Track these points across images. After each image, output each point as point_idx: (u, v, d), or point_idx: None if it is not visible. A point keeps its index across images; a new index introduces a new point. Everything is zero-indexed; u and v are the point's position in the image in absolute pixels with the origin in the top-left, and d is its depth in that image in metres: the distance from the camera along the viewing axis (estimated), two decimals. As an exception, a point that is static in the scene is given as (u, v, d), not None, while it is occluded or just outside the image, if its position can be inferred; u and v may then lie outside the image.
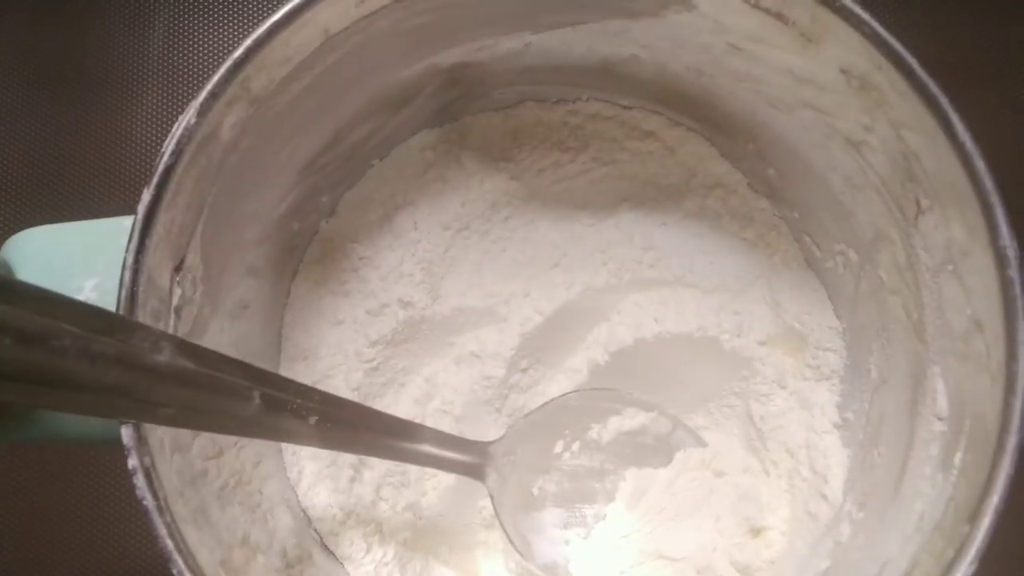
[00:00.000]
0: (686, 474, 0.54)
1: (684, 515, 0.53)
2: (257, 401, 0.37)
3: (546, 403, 0.54)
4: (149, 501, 0.36)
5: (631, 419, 0.54)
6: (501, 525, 0.52)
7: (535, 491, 0.53)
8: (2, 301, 0.28)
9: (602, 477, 0.54)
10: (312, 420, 0.40)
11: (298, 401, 0.40)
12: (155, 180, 0.38)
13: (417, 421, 0.54)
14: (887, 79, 0.39)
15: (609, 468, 0.54)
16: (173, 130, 0.38)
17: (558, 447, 0.54)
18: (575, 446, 0.54)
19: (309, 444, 0.42)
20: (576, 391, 0.55)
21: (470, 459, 0.50)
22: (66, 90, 0.71)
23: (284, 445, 0.53)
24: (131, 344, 0.32)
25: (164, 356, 0.33)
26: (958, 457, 0.39)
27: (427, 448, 0.48)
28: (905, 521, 0.41)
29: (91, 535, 0.64)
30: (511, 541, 0.52)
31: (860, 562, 0.44)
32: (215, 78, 0.39)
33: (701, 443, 0.55)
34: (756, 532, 0.52)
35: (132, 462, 0.36)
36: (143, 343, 0.33)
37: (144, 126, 0.70)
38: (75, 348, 0.30)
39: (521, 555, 0.52)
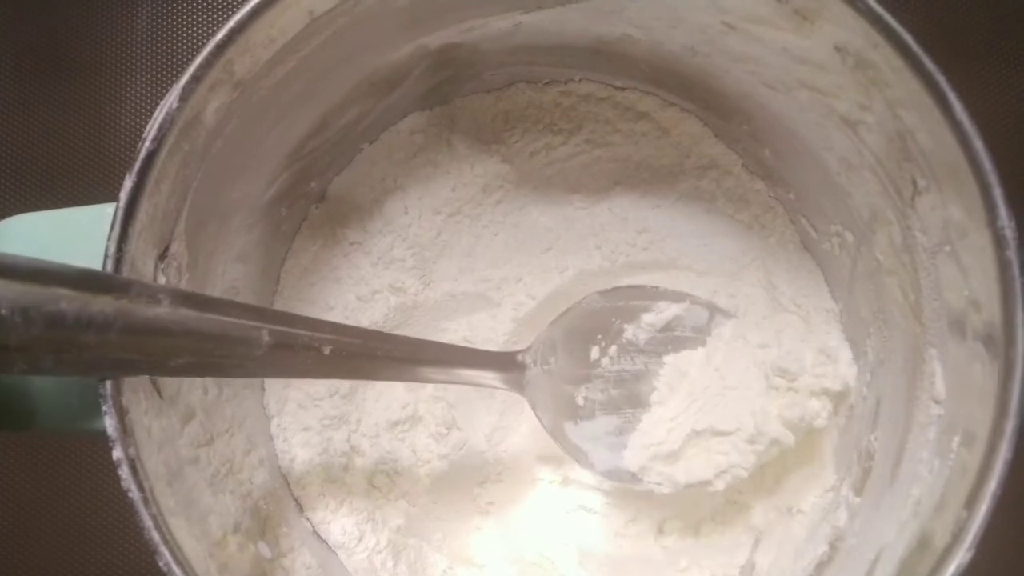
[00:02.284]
0: (722, 348, 0.52)
1: (728, 388, 0.51)
2: (267, 339, 0.37)
3: (569, 309, 0.51)
4: (134, 493, 0.35)
5: (664, 312, 0.51)
6: (551, 437, 0.50)
7: (580, 401, 0.51)
8: None
9: (649, 378, 0.51)
10: (327, 350, 0.40)
11: (309, 334, 0.39)
12: (137, 166, 0.37)
13: (410, 408, 0.54)
14: (883, 57, 0.38)
15: (654, 369, 0.52)
16: (155, 115, 0.37)
17: (594, 353, 0.51)
18: (612, 350, 0.51)
19: (328, 376, 0.42)
20: (599, 291, 0.52)
21: (502, 373, 0.49)
22: (51, 76, 0.70)
23: (275, 433, 0.53)
24: (128, 299, 0.33)
25: (163, 307, 0.34)
26: (955, 441, 0.38)
27: (453, 367, 0.47)
28: (902, 506, 0.41)
29: (80, 528, 0.64)
30: (566, 451, 0.51)
31: (857, 547, 0.44)
32: (197, 61, 0.38)
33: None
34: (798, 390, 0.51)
35: (117, 453, 0.35)
36: (140, 297, 0.33)
37: (130, 111, 0.69)
38: (72, 311, 0.31)
39: (579, 463, 0.51)
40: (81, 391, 0.40)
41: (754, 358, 0.51)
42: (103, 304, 0.32)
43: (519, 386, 0.50)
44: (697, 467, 0.50)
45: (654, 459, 0.50)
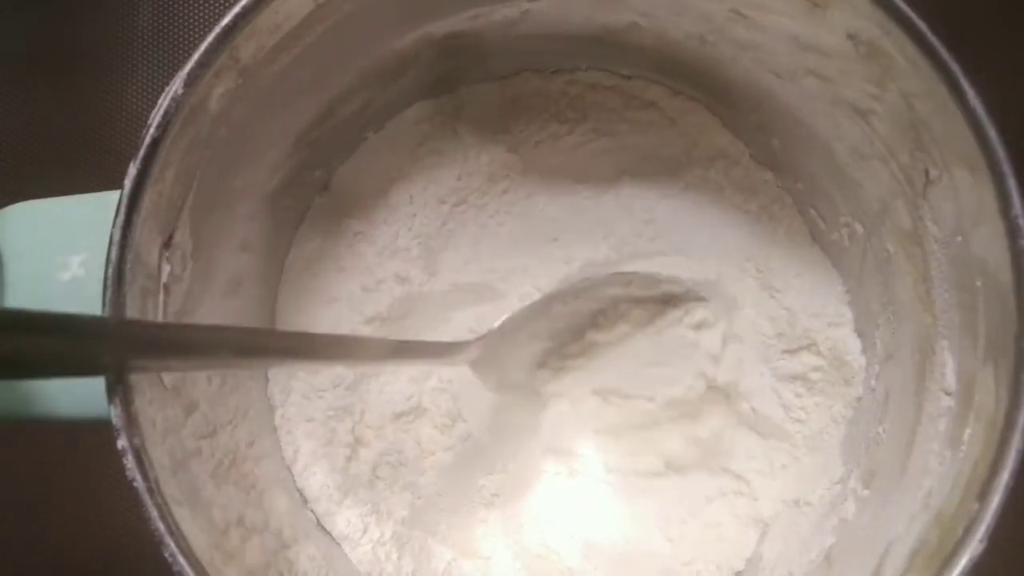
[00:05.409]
0: (679, 327, 0.54)
1: (656, 364, 0.53)
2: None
3: (547, 296, 0.53)
4: (139, 482, 0.35)
5: (647, 290, 0.54)
6: (479, 376, 0.51)
7: (527, 347, 0.52)
8: None
9: (601, 317, 0.53)
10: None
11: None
12: (142, 153, 0.37)
13: (414, 399, 0.54)
14: (896, 45, 0.38)
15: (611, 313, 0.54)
16: (160, 101, 0.37)
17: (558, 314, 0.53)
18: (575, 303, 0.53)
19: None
20: (584, 279, 0.53)
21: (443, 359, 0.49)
22: (55, 64, 0.70)
23: (279, 424, 0.53)
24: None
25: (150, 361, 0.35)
26: (967, 433, 0.38)
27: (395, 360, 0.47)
28: (912, 498, 0.40)
29: (85, 516, 0.64)
30: (484, 381, 0.51)
31: (866, 540, 0.43)
32: (203, 47, 0.38)
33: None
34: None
35: (122, 443, 0.35)
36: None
37: (134, 99, 0.69)
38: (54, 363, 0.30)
39: (496, 389, 0.52)
40: (87, 379, 0.40)
41: (692, 354, 0.53)
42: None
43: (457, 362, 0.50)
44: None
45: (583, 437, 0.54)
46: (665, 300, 0.54)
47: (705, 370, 0.54)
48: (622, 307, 0.54)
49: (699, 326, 0.54)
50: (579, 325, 0.54)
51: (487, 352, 0.50)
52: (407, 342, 0.48)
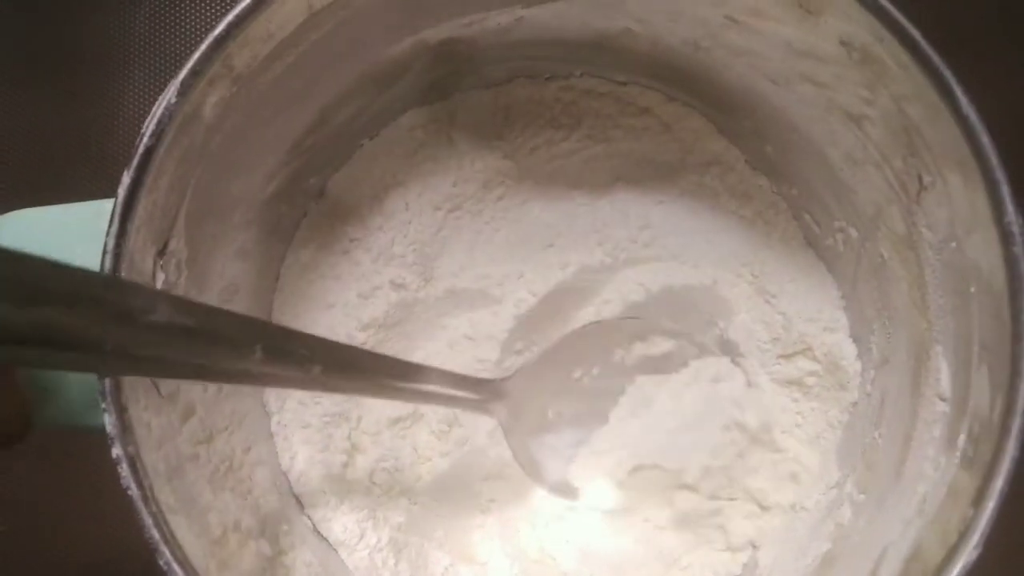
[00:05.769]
0: (694, 386, 0.53)
1: (685, 427, 0.52)
2: (259, 354, 0.36)
3: (564, 337, 0.53)
4: (134, 491, 0.35)
5: (657, 347, 0.53)
6: (515, 458, 0.51)
7: (550, 414, 0.52)
8: None
9: (617, 395, 0.53)
10: (316, 370, 0.39)
11: (302, 351, 0.39)
12: (135, 162, 0.37)
13: (411, 406, 0.54)
14: (888, 51, 0.38)
15: (625, 387, 0.53)
16: (153, 110, 0.37)
17: (577, 373, 0.53)
18: (595, 370, 0.53)
19: (313, 390, 0.42)
20: (597, 322, 0.54)
21: (478, 397, 0.49)
22: (49, 71, 0.70)
23: (275, 430, 0.53)
24: (125, 304, 0.32)
25: (161, 316, 0.33)
26: (962, 439, 0.38)
27: (434, 388, 0.46)
28: (907, 504, 0.40)
29: (81, 520, 0.64)
30: (519, 463, 0.51)
31: (861, 545, 0.43)
32: (196, 55, 0.38)
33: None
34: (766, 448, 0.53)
35: (116, 451, 0.35)
36: (137, 302, 0.32)
37: (129, 107, 0.68)
38: (67, 314, 0.29)
39: (530, 477, 0.52)
40: (80, 387, 0.40)
41: (721, 407, 0.52)
42: (98, 309, 0.31)
43: (489, 411, 0.50)
44: (637, 502, 0.53)
45: (596, 480, 0.52)
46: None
47: (735, 418, 0.53)
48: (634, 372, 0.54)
49: (716, 379, 0.54)
50: (601, 391, 0.53)
51: (512, 407, 0.50)
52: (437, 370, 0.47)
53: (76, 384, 0.40)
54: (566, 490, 0.52)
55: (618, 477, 0.52)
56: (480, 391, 0.49)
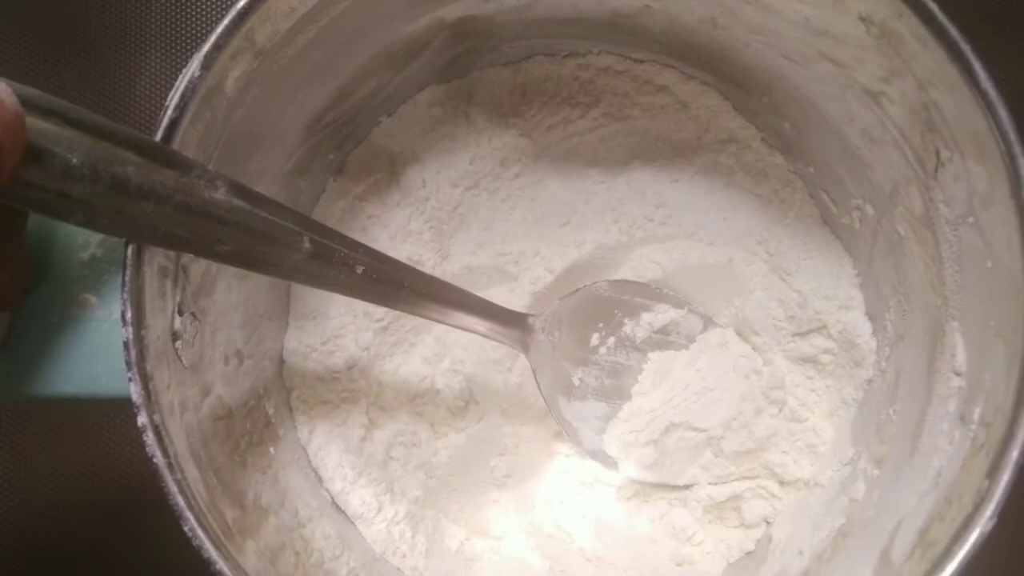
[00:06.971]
0: (707, 352, 0.54)
1: (707, 388, 0.54)
2: (307, 246, 0.40)
3: (578, 290, 0.54)
4: (159, 459, 0.36)
5: (663, 315, 0.55)
6: (547, 404, 0.53)
7: (575, 381, 0.54)
8: (71, 125, 0.31)
9: (635, 373, 0.55)
10: (359, 270, 0.42)
11: (345, 251, 0.42)
12: (160, 134, 0.37)
13: (427, 381, 0.55)
14: (908, 27, 0.38)
15: (640, 365, 0.55)
16: (177, 83, 0.37)
17: (594, 339, 0.54)
18: (611, 341, 0.55)
19: (353, 295, 0.44)
20: (607, 280, 0.55)
21: (510, 329, 0.51)
22: (67, 50, 0.70)
23: (294, 406, 0.53)
24: (189, 178, 0.35)
25: (220, 193, 0.36)
26: (977, 412, 0.38)
27: (467, 313, 0.49)
28: (922, 477, 0.41)
29: (87, 497, 0.64)
30: (558, 422, 0.54)
31: (876, 519, 0.44)
32: (219, 29, 0.38)
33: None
34: (778, 406, 0.54)
35: (142, 419, 0.36)
36: (200, 179, 0.35)
37: (147, 85, 0.69)
38: (137, 177, 0.32)
39: (569, 438, 0.54)
40: (106, 358, 0.40)
41: (734, 364, 0.54)
42: (165, 177, 0.34)
43: (524, 347, 0.52)
44: (674, 472, 0.54)
45: (631, 446, 0.53)
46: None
47: (748, 368, 0.54)
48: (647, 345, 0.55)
49: (723, 344, 0.55)
50: (618, 369, 0.55)
51: (537, 348, 0.52)
52: (473, 296, 0.50)
53: (101, 355, 0.41)
54: (604, 459, 0.54)
55: (653, 437, 0.53)
56: (511, 322, 0.51)
